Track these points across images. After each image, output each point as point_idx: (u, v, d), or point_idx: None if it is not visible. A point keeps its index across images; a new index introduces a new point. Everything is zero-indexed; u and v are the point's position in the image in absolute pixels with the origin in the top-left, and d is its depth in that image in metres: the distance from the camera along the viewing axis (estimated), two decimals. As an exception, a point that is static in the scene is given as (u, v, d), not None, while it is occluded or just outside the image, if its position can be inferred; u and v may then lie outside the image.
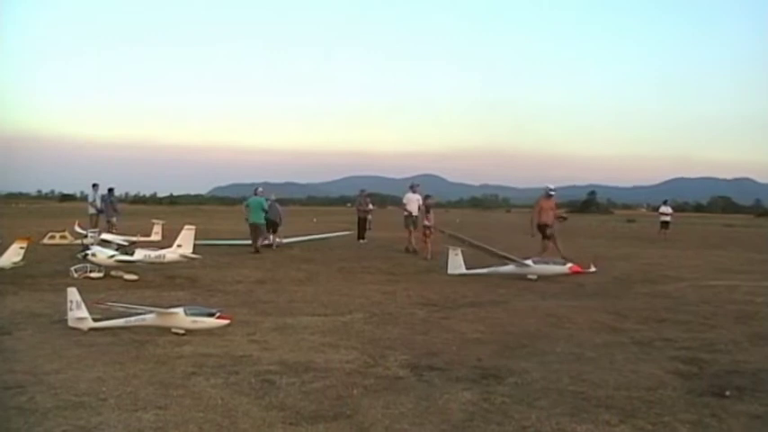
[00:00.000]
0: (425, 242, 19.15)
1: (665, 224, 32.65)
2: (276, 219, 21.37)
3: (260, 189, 21.49)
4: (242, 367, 6.63)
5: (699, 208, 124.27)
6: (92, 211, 23.81)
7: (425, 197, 20.85)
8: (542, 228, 16.93)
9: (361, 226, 25.47)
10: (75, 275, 13.18)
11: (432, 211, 20.04)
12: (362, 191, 27.60)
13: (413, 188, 21.49)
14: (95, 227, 21.55)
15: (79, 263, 13.60)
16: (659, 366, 6.94)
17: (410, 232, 20.51)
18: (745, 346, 8.09)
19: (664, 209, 33.63)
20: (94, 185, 24.36)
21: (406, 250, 20.10)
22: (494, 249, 15.24)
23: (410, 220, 20.60)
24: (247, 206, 20.67)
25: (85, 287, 10.14)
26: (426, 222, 19.44)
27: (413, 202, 20.78)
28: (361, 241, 24.62)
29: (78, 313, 8.01)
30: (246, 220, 20.63)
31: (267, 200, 20.89)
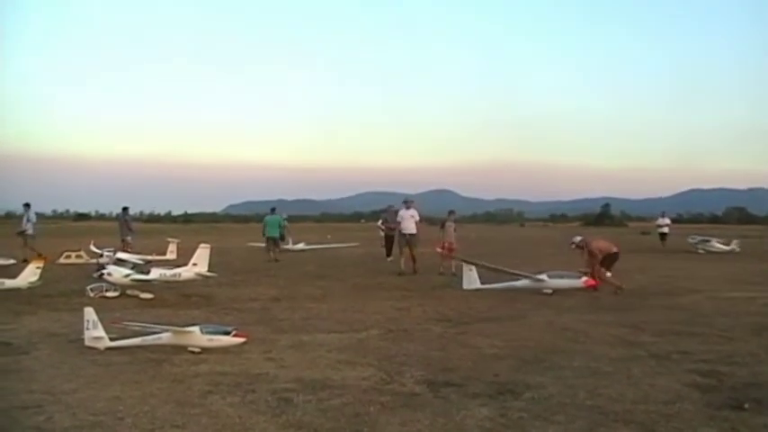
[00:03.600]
0: (447, 257, 18.86)
1: (663, 236, 32.46)
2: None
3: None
4: (259, 385, 6.64)
5: (714, 219, 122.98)
6: (29, 231, 22.98)
7: (449, 213, 20.60)
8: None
9: (389, 243, 23.03)
10: (91, 295, 13.27)
11: (454, 227, 19.76)
12: (390, 206, 24.60)
13: (407, 204, 19.70)
14: (26, 247, 21.79)
15: (95, 282, 13.69)
16: (677, 380, 6.89)
17: (401, 252, 19.21)
18: (763, 358, 8.03)
19: (661, 220, 33.45)
20: (26, 205, 23.50)
21: (401, 274, 18.42)
22: (509, 270, 14.93)
23: (405, 239, 19.11)
24: (265, 223, 25.27)
25: (101, 306, 10.21)
26: (450, 238, 19.28)
27: (407, 219, 19.11)
28: (390, 259, 22.47)
29: (95, 332, 8.06)
30: (264, 234, 25.23)
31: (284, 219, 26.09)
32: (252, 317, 11.19)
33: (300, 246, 30.28)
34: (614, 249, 14.93)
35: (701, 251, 29.38)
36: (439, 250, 19.21)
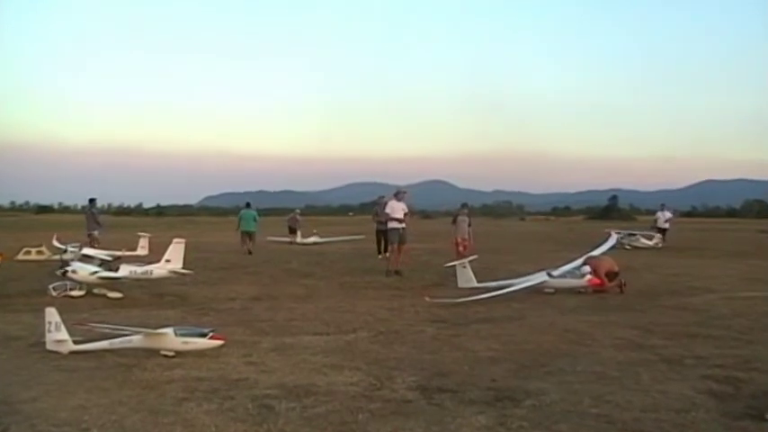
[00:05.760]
0: (462, 255, 18.58)
1: (661, 231, 32.55)
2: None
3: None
4: (238, 391, 6.62)
5: (731, 212, 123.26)
6: None
7: (462, 205, 20.43)
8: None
9: (380, 239, 22.95)
10: (54, 294, 13.20)
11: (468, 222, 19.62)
12: (382, 197, 24.38)
13: (398, 196, 18.96)
14: None
15: (58, 280, 13.62)
16: (690, 386, 6.90)
17: (394, 250, 18.59)
18: (785, 362, 8.05)
19: (660, 214, 33.33)
20: None
21: (389, 273, 17.99)
22: (509, 289, 14.60)
23: (397, 234, 18.40)
24: (240, 218, 27.80)
25: (65, 307, 10.18)
26: (463, 234, 19.21)
27: (398, 211, 18.48)
28: (380, 256, 22.58)
29: (58, 335, 8.01)
30: (239, 228, 27.52)
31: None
32: (231, 317, 11.18)
33: (312, 239, 33.86)
34: (615, 268, 14.82)
35: (627, 247, 29.89)
36: (461, 249, 18.99)
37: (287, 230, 35.37)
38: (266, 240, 31.95)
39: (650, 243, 30.77)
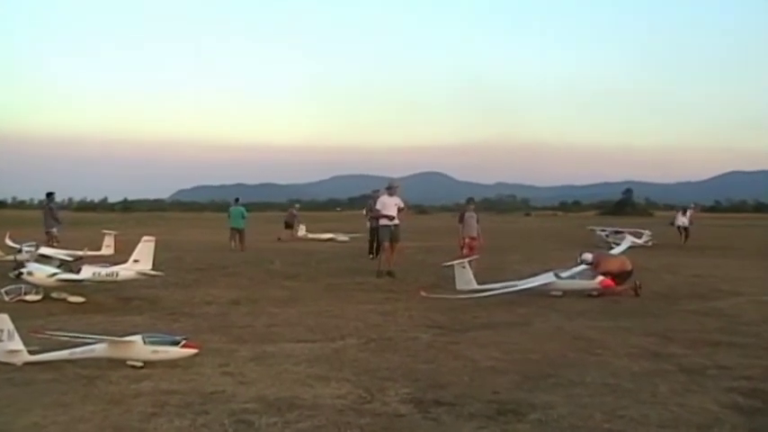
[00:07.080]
0: (468, 254, 18.50)
1: (683, 230, 32.89)
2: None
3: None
4: (213, 405, 6.60)
5: (758, 207, 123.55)
6: None
7: (468, 200, 20.49)
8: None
9: (375, 237, 22.41)
10: (7, 299, 13.11)
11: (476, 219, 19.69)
12: (376, 191, 22.90)
13: (390, 190, 18.94)
14: None
15: (12, 283, 13.54)
16: (713, 399, 6.91)
17: (386, 248, 18.65)
18: (817, 373, 8.07)
19: (683, 219, 33.73)
20: None
21: (380, 274, 18.07)
22: (512, 289, 14.37)
23: (389, 231, 18.48)
24: (229, 214, 30.41)
25: (20, 313, 10.12)
26: (471, 233, 19.22)
27: (391, 207, 18.54)
28: (371, 256, 22.68)
29: (10, 345, 7.94)
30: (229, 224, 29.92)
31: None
32: (205, 323, 11.17)
33: (328, 236, 36.69)
34: (629, 267, 14.81)
35: (613, 246, 30.26)
36: (466, 251, 18.92)
37: (283, 226, 37.81)
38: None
39: (639, 241, 31.25)
